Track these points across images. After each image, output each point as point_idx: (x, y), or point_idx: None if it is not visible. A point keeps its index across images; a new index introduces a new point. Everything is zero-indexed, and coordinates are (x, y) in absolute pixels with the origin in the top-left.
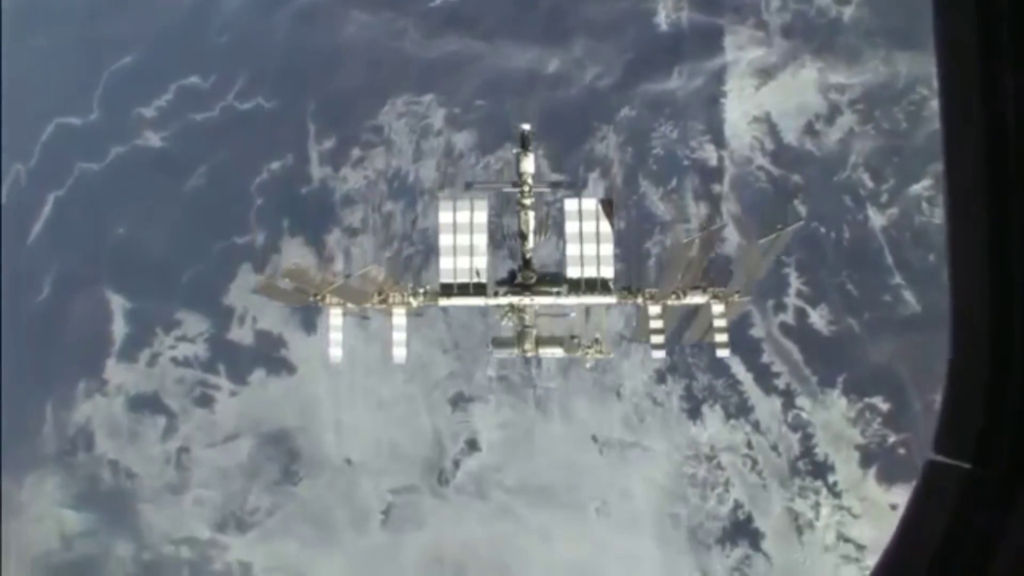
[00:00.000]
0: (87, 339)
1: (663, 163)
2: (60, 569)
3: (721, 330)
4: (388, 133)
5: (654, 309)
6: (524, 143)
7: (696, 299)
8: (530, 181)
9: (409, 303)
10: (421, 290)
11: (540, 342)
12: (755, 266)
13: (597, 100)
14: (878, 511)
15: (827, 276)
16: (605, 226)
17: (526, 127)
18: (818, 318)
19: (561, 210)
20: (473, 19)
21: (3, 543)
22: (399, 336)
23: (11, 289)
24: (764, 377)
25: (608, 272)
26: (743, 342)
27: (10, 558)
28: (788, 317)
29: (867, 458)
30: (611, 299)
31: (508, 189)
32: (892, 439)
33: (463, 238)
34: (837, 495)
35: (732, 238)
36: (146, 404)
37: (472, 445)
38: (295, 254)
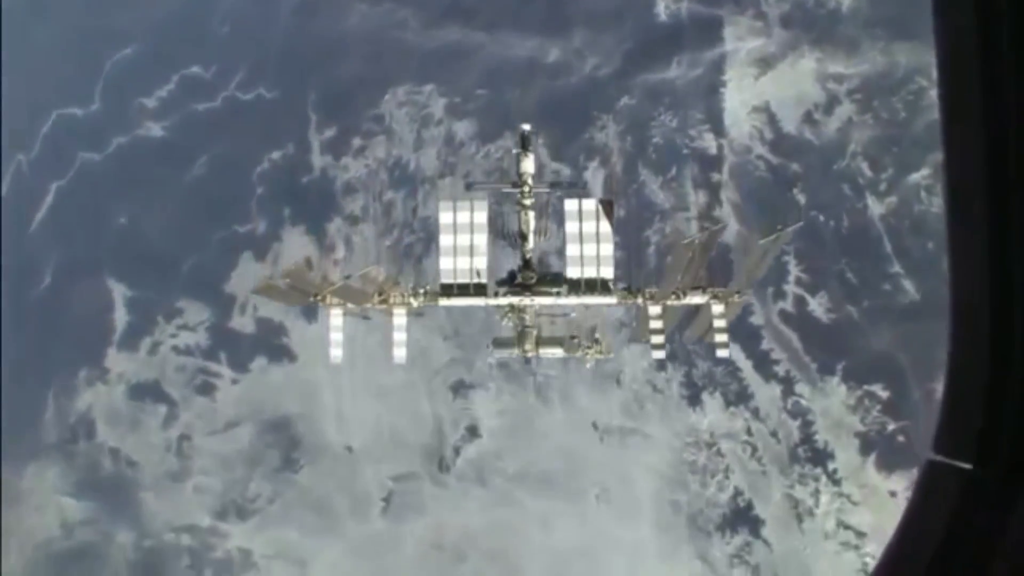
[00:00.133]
0: (88, 328)
1: (663, 152)
2: (61, 557)
3: (721, 330)
4: (389, 122)
5: (654, 309)
6: (524, 143)
7: (696, 299)
8: (530, 181)
9: (409, 303)
10: (421, 290)
11: (540, 342)
12: (755, 266)
13: (597, 90)
14: (878, 498)
15: (826, 264)
16: (605, 226)
17: (526, 127)
18: (817, 306)
19: (561, 210)
20: (473, 9)
21: (4, 531)
22: (399, 336)
23: (13, 278)
24: (764, 364)
25: (608, 272)
26: (743, 330)
27: (11, 546)
28: (787, 305)
29: (866, 445)
30: (611, 299)
31: (508, 189)
32: (891, 427)
33: (463, 238)
34: (837, 482)
35: (732, 226)
36: (147, 392)
37: (472, 432)
38: (296, 243)
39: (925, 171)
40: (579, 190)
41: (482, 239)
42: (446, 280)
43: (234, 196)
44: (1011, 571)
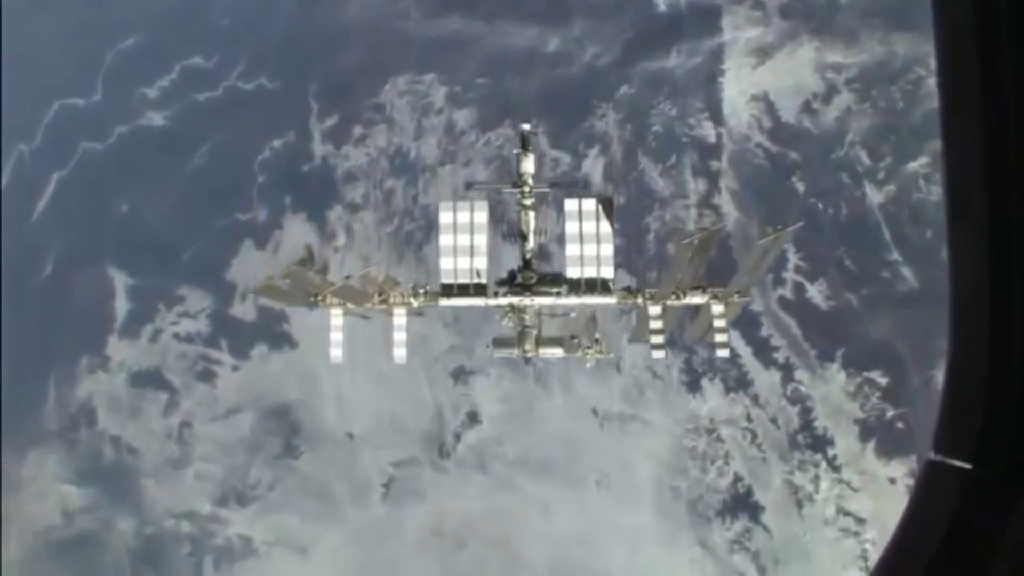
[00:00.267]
0: (89, 316)
1: (662, 140)
2: (62, 544)
3: (721, 330)
4: (390, 111)
5: (654, 309)
6: (524, 143)
7: (696, 299)
8: (530, 181)
9: (409, 303)
10: (421, 290)
11: (540, 342)
12: (755, 266)
13: (597, 79)
14: (877, 485)
15: (825, 252)
16: (605, 226)
17: (526, 127)
18: (816, 293)
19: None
20: None
21: (4, 519)
22: (399, 336)
23: (15, 268)
24: (763, 351)
25: (608, 272)
26: (742, 316)
27: (12, 534)
28: (787, 292)
29: (866, 432)
30: (611, 299)
31: (508, 190)
32: (891, 413)
33: (463, 238)
34: (836, 469)
35: (731, 214)
36: (148, 380)
37: (473, 418)
38: (297, 231)
39: (923, 160)
40: (579, 189)
41: (482, 239)
42: (446, 280)
43: (235, 184)
44: (1011, 571)
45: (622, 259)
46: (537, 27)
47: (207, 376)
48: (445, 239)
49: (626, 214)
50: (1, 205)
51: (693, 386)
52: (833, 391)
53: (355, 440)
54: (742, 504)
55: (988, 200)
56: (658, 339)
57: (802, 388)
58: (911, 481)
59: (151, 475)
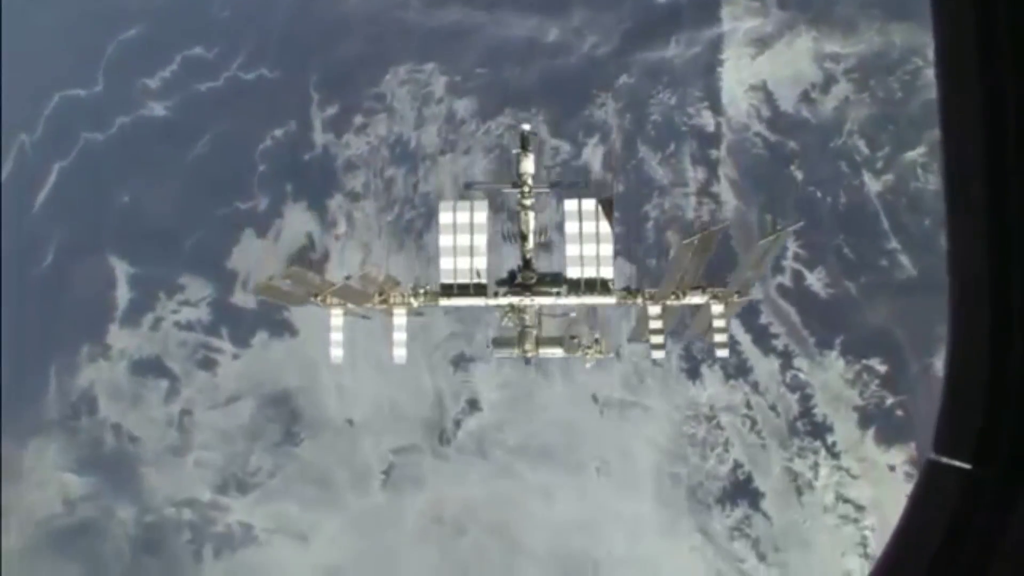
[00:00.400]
0: (90, 305)
1: (661, 129)
2: (62, 532)
3: (721, 330)
4: (390, 100)
5: (654, 309)
6: (524, 144)
7: (696, 299)
8: (530, 181)
9: (409, 303)
10: (421, 290)
11: (540, 342)
12: (755, 267)
13: (596, 68)
14: (877, 472)
15: (824, 240)
16: (605, 226)
17: (526, 127)
18: (815, 281)
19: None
20: None
21: (5, 508)
22: (399, 336)
23: (16, 258)
24: (762, 338)
25: (608, 272)
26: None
27: (13, 523)
28: (786, 279)
29: (865, 419)
30: (611, 299)
31: (508, 190)
32: (890, 400)
33: (463, 239)
34: (836, 456)
35: (730, 202)
36: (149, 368)
37: (473, 405)
38: (298, 219)
39: (921, 149)
40: (580, 189)
41: (482, 239)
42: (446, 280)
43: (236, 174)
44: (1011, 571)
45: (621, 247)
46: (537, 17)
47: (208, 364)
48: (445, 239)
49: (626, 202)
50: (2, 195)
51: (693, 373)
52: (832, 378)
53: (355, 427)
54: (742, 491)
55: (988, 203)
56: (658, 339)
57: (801, 375)
58: (910, 468)
59: (152, 463)
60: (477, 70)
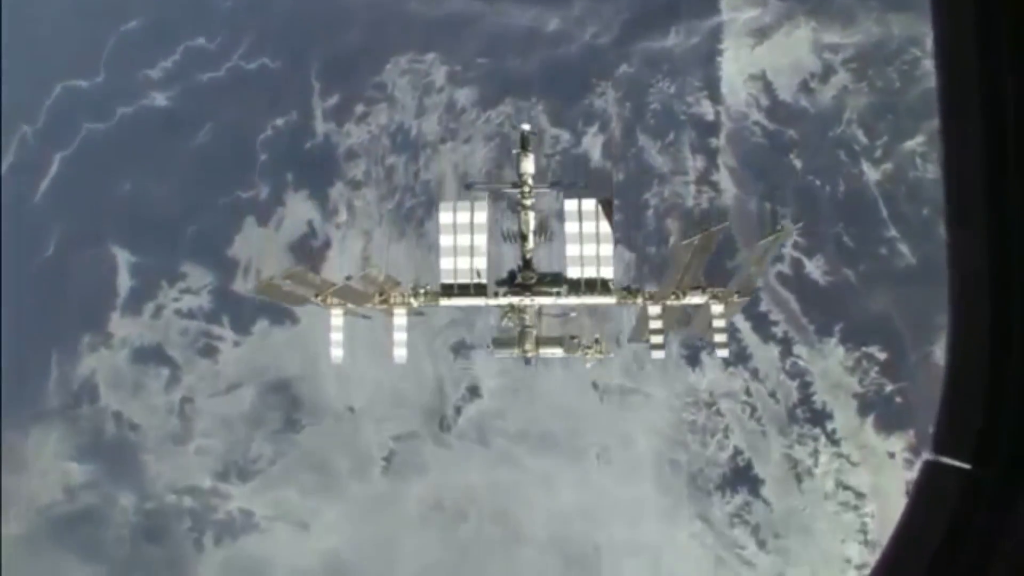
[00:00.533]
0: (92, 293)
1: (660, 118)
2: (64, 520)
3: (720, 330)
4: (391, 90)
5: (654, 309)
6: (524, 144)
7: (696, 299)
8: (530, 181)
9: (409, 303)
10: (421, 290)
11: (540, 342)
12: (755, 267)
13: (596, 58)
14: (877, 459)
15: (823, 228)
16: (605, 226)
17: (526, 127)
18: (815, 268)
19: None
20: None
21: (5, 497)
22: (400, 336)
23: (17, 247)
24: (762, 325)
25: (608, 272)
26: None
27: (14, 511)
28: (785, 267)
29: (865, 406)
30: (611, 299)
31: (508, 190)
32: (889, 388)
33: (463, 238)
34: (836, 443)
35: (729, 190)
36: (150, 356)
37: (473, 392)
38: (299, 208)
39: (920, 138)
40: (579, 189)
41: (482, 239)
42: (446, 280)
43: (238, 163)
44: (1011, 571)
45: (621, 235)
46: (537, 7)
47: (209, 351)
48: (445, 239)
49: (625, 190)
50: (3, 185)
51: (692, 360)
52: (832, 366)
53: (356, 414)
54: (742, 478)
55: (988, 205)
56: (658, 339)
57: (801, 362)
58: (910, 455)
59: (152, 451)
60: (478, 60)
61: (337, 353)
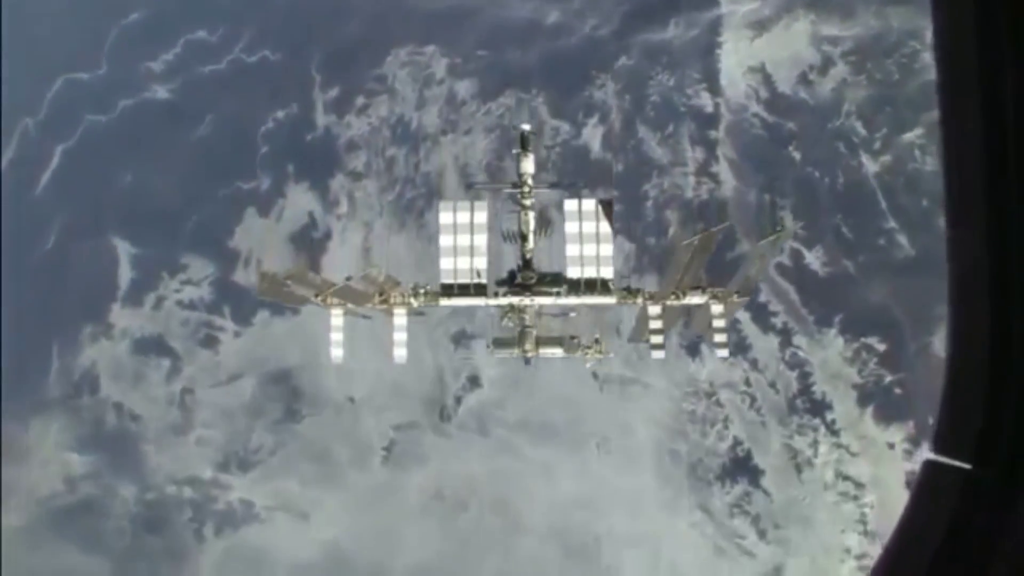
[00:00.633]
0: (93, 285)
1: (660, 110)
2: (64, 511)
3: (720, 330)
4: (391, 82)
5: (654, 309)
6: (524, 144)
7: (696, 299)
8: (530, 181)
9: (410, 303)
10: (421, 290)
11: (540, 342)
12: (754, 268)
13: (596, 50)
14: (876, 450)
15: (822, 219)
16: (605, 226)
17: (526, 127)
18: (814, 259)
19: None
20: None
21: (6, 488)
22: (400, 336)
23: (19, 239)
24: (761, 316)
25: (608, 272)
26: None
27: (15, 502)
28: (784, 258)
29: (864, 397)
30: (611, 299)
31: (508, 190)
32: (888, 379)
33: (463, 238)
34: (835, 433)
35: (728, 181)
36: (151, 347)
37: (474, 382)
38: (300, 199)
39: (919, 131)
40: (579, 189)
41: (482, 239)
42: (446, 280)
43: (239, 155)
44: (1011, 571)
45: (621, 226)
46: None
47: (210, 342)
48: (445, 239)
49: (625, 181)
50: (4, 177)
51: (692, 350)
52: (831, 356)
53: (356, 404)
54: (742, 468)
55: (988, 206)
56: (658, 339)
57: (800, 353)
58: (909, 446)
59: (153, 441)
60: (478, 52)
61: (337, 353)
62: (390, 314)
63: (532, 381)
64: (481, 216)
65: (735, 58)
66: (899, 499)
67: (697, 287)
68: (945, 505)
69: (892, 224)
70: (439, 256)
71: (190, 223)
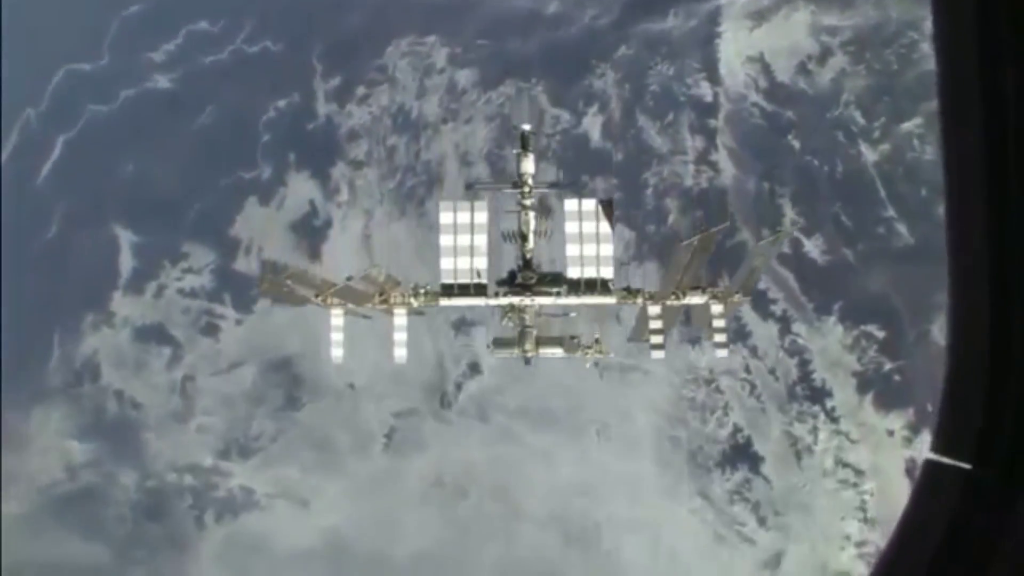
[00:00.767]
0: (94, 274)
1: (660, 99)
2: (65, 499)
3: (720, 330)
4: (392, 71)
5: (654, 309)
6: (524, 143)
7: (696, 299)
8: (530, 181)
9: (410, 303)
10: (422, 290)
11: (540, 342)
12: (754, 268)
13: (596, 39)
14: (876, 437)
15: (821, 207)
16: (605, 227)
17: (526, 127)
18: (813, 247)
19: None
20: None
21: (6, 475)
22: (400, 336)
23: (21, 228)
24: (761, 303)
25: (608, 272)
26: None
27: (16, 490)
28: (784, 246)
29: (864, 384)
30: (611, 299)
31: (509, 190)
32: (888, 366)
33: (463, 238)
34: (835, 420)
35: (728, 170)
36: (152, 335)
37: (474, 368)
38: (301, 187)
39: (918, 120)
40: (579, 189)
41: (482, 239)
42: (446, 280)
43: (240, 144)
44: (1011, 571)
45: (621, 213)
46: None
47: (210, 330)
48: (445, 239)
49: (625, 170)
50: (4, 167)
51: (692, 338)
52: (831, 344)
53: (356, 391)
54: (742, 455)
55: (987, 206)
56: (658, 339)
57: (800, 340)
58: (909, 433)
59: (154, 429)
60: (478, 41)
61: (337, 353)
62: (390, 314)
63: (532, 368)
64: (481, 216)
65: (734, 48)
66: (899, 486)
67: (697, 287)
68: (945, 505)
69: (891, 213)
70: (440, 256)
71: (191, 212)
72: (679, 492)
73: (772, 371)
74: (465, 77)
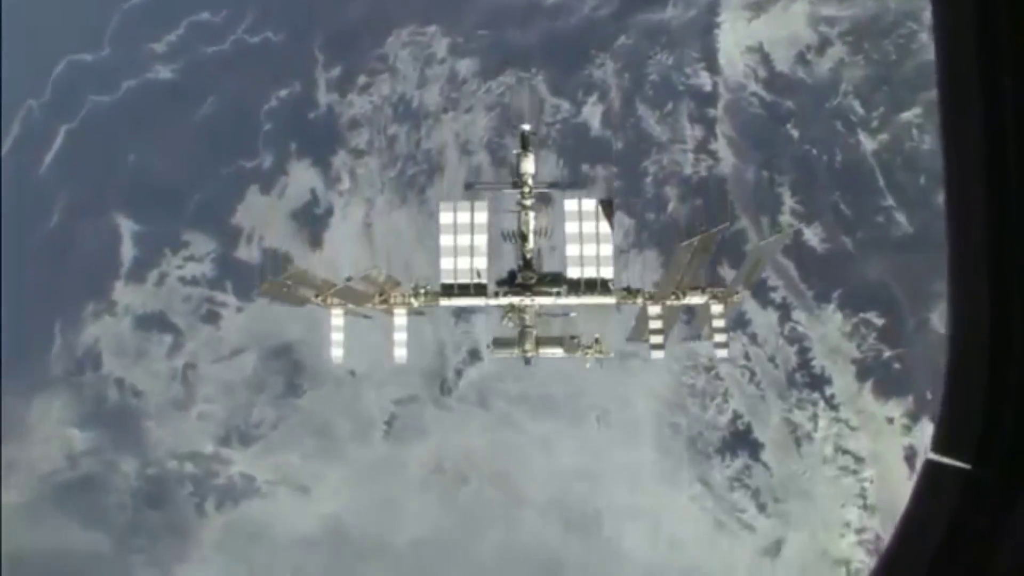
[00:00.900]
0: (96, 262)
1: (659, 88)
2: (66, 487)
3: (720, 330)
4: (393, 61)
5: (654, 309)
6: (524, 144)
7: (696, 299)
8: (530, 182)
9: (410, 303)
10: (422, 290)
11: (540, 342)
12: (753, 268)
13: (595, 29)
14: (876, 424)
15: (820, 196)
16: (605, 227)
17: (526, 127)
18: (812, 236)
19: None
20: None
21: (7, 463)
22: (400, 336)
23: (23, 218)
24: (761, 291)
25: (608, 272)
26: (740, 256)
27: (16, 479)
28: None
29: (863, 371)
30: (611, 299)
31: (509, 190)
32: (887, 354)
33: (463, 239)
34: (834, 407)
35: (727, 159)
36: (153, 323)
37: (474, 355)
38: (302, 176)
39: (916, 110)
40: (579, 189)
41: (482, 239)
42: (446, 280)
43: (241, 133)
44: (1011, 571)
45: (621, 201)
46: None
47: (212, 318)
48: (445, 239)
49: (624, 158)
50: (5, 158)
51: (692, 336)
52: (830, 331)
53: (357, 378)
54: (741, 441)
55: (987, 206)
56: (658, 339)
57: (799, 328)
58: (908, 421)
59: (155, 417)
60: (478, 31)
61: (338, 353)
62: (390, 314)
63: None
64: (481, 216)
65: (733, 38)
66: (898, 473)
67: (697, 287)
68: (945, 505)
69: (890, 201)
70: (440, 256)
71: (193, 201)
72: (679, 479)
73: (772, 358)
74: (466, 67)
